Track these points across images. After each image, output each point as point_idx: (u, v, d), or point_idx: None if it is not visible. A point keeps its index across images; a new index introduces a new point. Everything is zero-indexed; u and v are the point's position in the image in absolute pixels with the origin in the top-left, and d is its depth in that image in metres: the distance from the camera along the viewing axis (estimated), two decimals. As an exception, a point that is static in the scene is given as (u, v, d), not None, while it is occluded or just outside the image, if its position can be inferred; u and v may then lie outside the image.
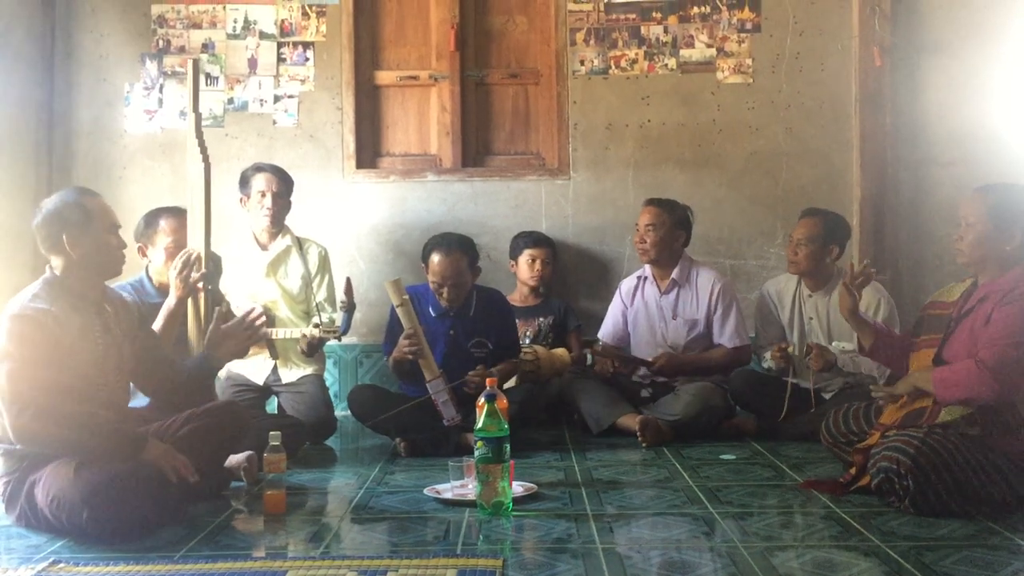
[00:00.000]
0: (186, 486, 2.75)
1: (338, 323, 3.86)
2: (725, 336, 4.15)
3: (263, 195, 4.09)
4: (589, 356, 4.23)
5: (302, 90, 4.89)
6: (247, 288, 4.05)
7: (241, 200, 4.18)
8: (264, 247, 4.16)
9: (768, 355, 4.01)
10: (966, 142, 4.76)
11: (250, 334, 3.15)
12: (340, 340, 3.97)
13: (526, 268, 4.68)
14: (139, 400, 3.26)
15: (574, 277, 4.90)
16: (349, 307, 3.84)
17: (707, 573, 2.30)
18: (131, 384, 3.12)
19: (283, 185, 4.15)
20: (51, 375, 2.66)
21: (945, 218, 4.57)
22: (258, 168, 4.17)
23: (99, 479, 2.55)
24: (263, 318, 3.21)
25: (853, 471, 3.01)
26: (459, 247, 3.88)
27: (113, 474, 2.57)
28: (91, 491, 2.54)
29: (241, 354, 3.21)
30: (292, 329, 3.94)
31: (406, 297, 3.73)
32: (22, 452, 2.72)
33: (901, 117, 4.81)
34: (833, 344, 3.98)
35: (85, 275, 2.84)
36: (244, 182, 4.16)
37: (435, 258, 3.86)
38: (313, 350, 3.94)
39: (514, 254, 4.74)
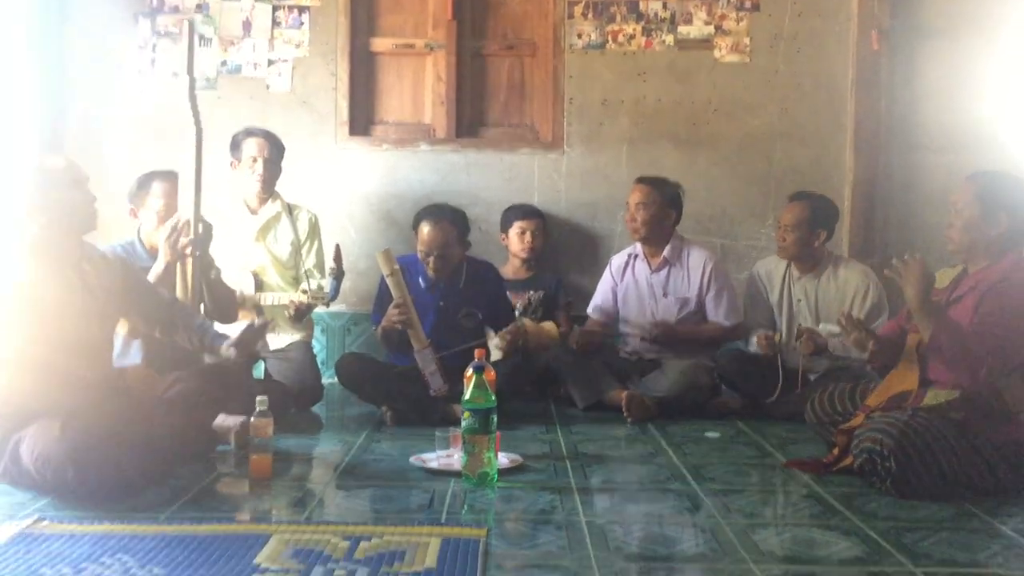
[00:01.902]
0: (173, 446, 2.75)
1: (327, 289, 3.86)
2: (720, 315, 4.18)
3: (254, 160, 4.07)
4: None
5: (296, 55, 4.84)
6: (236, 253, 4.03)
7: (232, 164, 4.16)
8: (254, 212, 4.15)
9: (755, 340, 4.03)
10: (960, 129, 4.76)
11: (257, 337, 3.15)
12: (328, 306, 3.98)
13: (516, 240, 4.67)
14: (131, 359, 3.26)
15: (565, 252, 4.89)
16: (338, 274, 3.84)
17: (689, 548, 2.32)
18: (119, 343, 3.11)
19: (274, 151, 4.12)
20: (31, 342, 2.66)
21: (936, 204, 4.57)
22: (249, 132, 4.14)
23: (85, 438, 2.55)
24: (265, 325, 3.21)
25: (836, 451, 3.04)
26: (449, 218, 3.88)
27: (99, 433, 2.57)
28: (77, 450, 2.53)
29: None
30: (280, 294, 3.94)
31: (396, 267, 3.73)
32: (7, 411, 2.71)
33: (896, 101, 4.81)
34: (820, 326, 4.00)
35: (59, 236, 2.82)
36: (235, 146, 4.13)
37: (424, 227, 3.86)
38: (301, 316, 3.93)
39: (504, 227, 4.73)
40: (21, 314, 2.67)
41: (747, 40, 4.86)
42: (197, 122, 3.35)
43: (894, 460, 2.71)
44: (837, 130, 4.86)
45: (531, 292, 4.60)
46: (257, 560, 2.14)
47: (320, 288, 3.92)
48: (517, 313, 4.46)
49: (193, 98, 3.38)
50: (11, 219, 2.81)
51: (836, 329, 3.94)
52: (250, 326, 3.12)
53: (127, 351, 3.27)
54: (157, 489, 2.70)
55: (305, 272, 4.10)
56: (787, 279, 4.16)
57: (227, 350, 3.06)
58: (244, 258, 4.05)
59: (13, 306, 2.66)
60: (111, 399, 2.78)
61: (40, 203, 2.77)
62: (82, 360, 2.78)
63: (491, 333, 3.80)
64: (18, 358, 2.64)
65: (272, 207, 4.15)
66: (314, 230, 4.22)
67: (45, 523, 2.38)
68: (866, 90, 4.79)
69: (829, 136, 4.87)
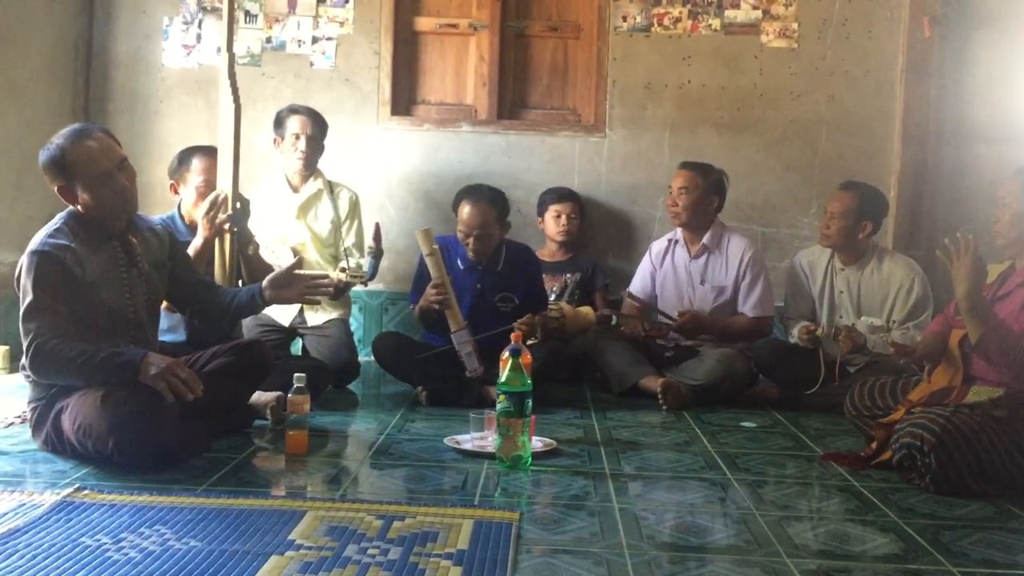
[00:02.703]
0: (211, 420, 2.78)
1: (365, 268, 3.88)
2: (748, 305, 4.12)
3: (297, 137, 4.09)
4: (614, 318, 4.21)
5: (340, 33, 4.85)
6: (277, 229, 4.06)
7: (275, 141, 4.18)
8: (296, 189, 4.17)
9: (796, 332, 3.98)
10: (1011, 120, 4.67)
11: (310, 291, 3.15)
12: (366, 285, 3.99)
13: (552, 223, 4.66)
14: (175, 335, 3.30)
15: (603, 236, 4.87)
16: (377, 253, 3.85)
17: (721, 539, 2.31)
18: (164, 320, 3.15)
19: (317, 128, 4.14)
20: (66, 310, 2.68)
21: (985, 197, 4.47)
22: (293, 110, 4.16)
23: (125, 409, 2.58)
24: (330, 288, 3.22)
25: (874, 445, 3.00)
26: (489, 199, 3.86)
27: (139, 405, 2.60)
28: (117, 420, 2.57)
29: (291, 303, 3.22)
30: (318, 272, 3.96)
31: (436, 247, 3.73)
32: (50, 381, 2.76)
33: (946, 90, 4.72)
34: (861, 319, 3.94)
35: (102, 213, 2.81)
36: (279, 123, 4.15)
37: (464, 208, 3.85)
38: (339, 294, 3.95)
39: (540, 211, 4.73)
40: (66, 286, 2.70)
41: (795, 25, 4.79)
42: (236, 98, 3.37)
43: (934, 457, 2.67)
44: (885, 119, 4.78)
45: (568, 275, 4.58)
46: (292, 536, 2.16)
47: (359, 267, 3.94)
48: (553, 296, 4.45)
49: (232, 74, 3.40)
50: (54, 195, 2.84)
51: (878, 322, 3.90)
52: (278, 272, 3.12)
53: (173, 328, 3.31)
54: (195, 462, 2.74)
55: (344, 250, 4.12)
56: (830, 270, 4.10)
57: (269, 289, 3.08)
58: (285, 234, 4.07)
59: (58, 278, 2.69)
60: None
61: (64, 195, 2.78)
62: (126, 332, 2.81)
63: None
64: (63, 329, 2.67)
65: (313, 185, 4.16)
66: (355, 209, 4.23)
67: (85, 492, 2.42)
68: (916, 78, 4.70)
69: (877, 125, 4.79)
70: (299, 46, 4.86)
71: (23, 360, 2.73)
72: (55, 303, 2.67)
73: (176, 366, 2.68)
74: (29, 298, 2.67)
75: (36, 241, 2.74)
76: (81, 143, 2.75)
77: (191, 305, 3.11)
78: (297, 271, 3.14)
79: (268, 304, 3.16)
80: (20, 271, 2.73)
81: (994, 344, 2.80)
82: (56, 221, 2.80)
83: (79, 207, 2.80)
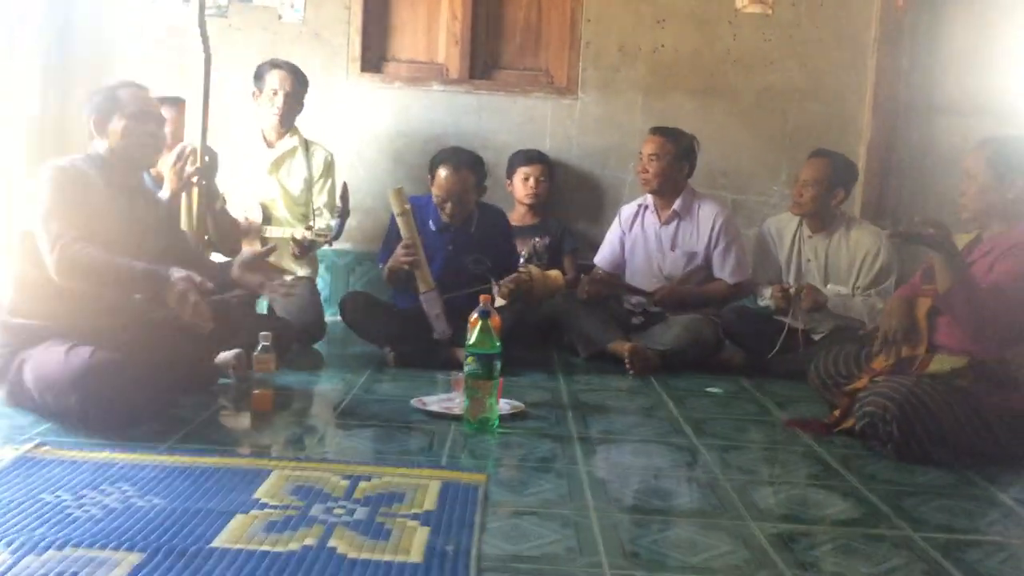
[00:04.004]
0: (174, 377, 2.75)
1: (331, 225, 3.84)
2: (726, 271, 4.14)
3: (275, 93, 4.02)
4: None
5: (310, -16, 4.75)
6: (249, 184, 4.00)
7: (253, 94, 4.10)
8: (271, 144, 4.10)
9: (768, 293, 4.00)
10: (982, 92, 4.69)
11: (270, 289, 3.03)
12: (331, 245, 3.95)
13: (521, 186, 4.63)
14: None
15: (573, 199, 4.85)
16: (343, 212, 3.81)
17: (686, 503, 2.33)
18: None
19: (297, 85, 4.07)
20: (83, 220, 2.68)
21: (953, 169, 4.50)
22: (274, 64, 4.08)
23: (90, 363, 2.54)
24: (291, 294, 3.09)
25: (837, 413, 3.03)
26: (467, 165, 3.82)
27: (104, 359, 2.56)
28: (81, 375, 2.53)
29: (250, 290, 3.14)
30: (285, 229, 3.92)
31: (408, 207, 3.69)
32: (18, 327, 2.73)
33: (918, 61, 4.73)
34: (828, 287, 3.97)
35: (120, 161, 2.86)
36: (259, 76, 4.08)
37: (442, 172, 3.81)
38: (304, 253, 3.92)
39: (509, 173, 4.69)
40: (83, 203, 2.70)
41: (771, -9, 4.77)
42: (206, 48, 3.30)
43: (896, 425, 2.70)
44: (856, 88, 4.79)
45: (536, 239, 4.57)
46: (257, 495, 2.14)
47: (327, 226, 3.89)
48: (522, 260, 4.43)
49: (203, 24, 3.33)
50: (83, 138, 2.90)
51: (844, 290, 3.93)
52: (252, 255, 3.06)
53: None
54: (159, 419, 2.70)
55: (314, 210, 4.07)
56: (798, 238, 4.11)
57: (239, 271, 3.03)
58: (256, 189, 4.01)
59: (74, 191, 2.70)
60: (131, 329, 2.77)
61: (98, 125, 2.85)
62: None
63: (494, 283, 3.77)
64: (68, 231, 2.63)
65: (289, 141, 4.10)
66: (328, 169, 4.17)
67: (46, 448, 2.38)
68: (888, 49, 4.71)
69: (847, 94, 4.80)
70: (268, -2, 4.75)
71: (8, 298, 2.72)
72: (73, 209, 2.67)
73: (197, 285, 2.63)
74: (46, 204, 2.66)
75: (56, 160, 2.78)
76: (135, 88, 2.91)
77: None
78: (268, 259, 3.07)
79: (231, 283, 3.10)
80: (34, 185, 2.72)
81: (962, 297, 2.81)
82: (77, 155, 2.87)
83: (105, 142, 2.83)
